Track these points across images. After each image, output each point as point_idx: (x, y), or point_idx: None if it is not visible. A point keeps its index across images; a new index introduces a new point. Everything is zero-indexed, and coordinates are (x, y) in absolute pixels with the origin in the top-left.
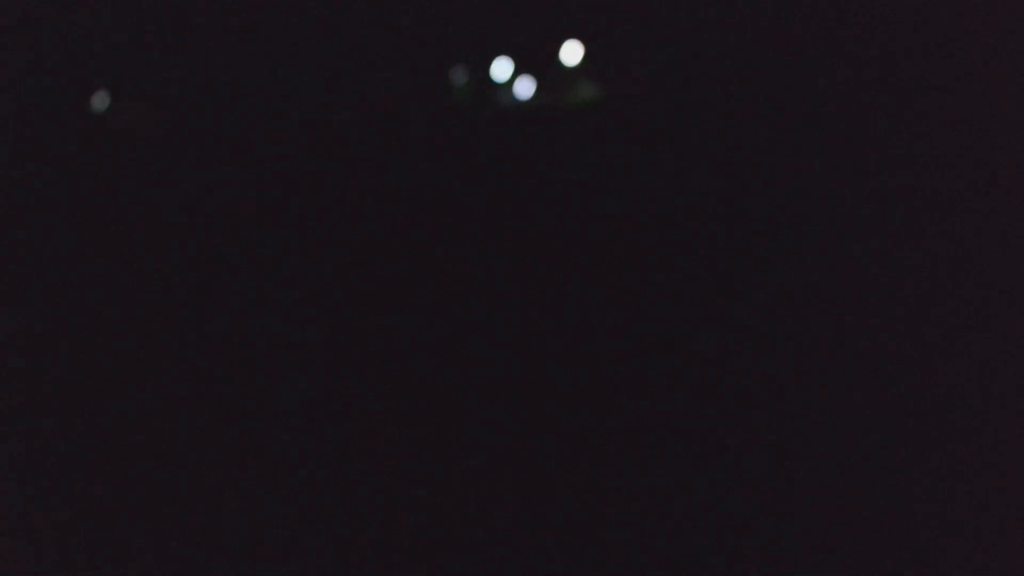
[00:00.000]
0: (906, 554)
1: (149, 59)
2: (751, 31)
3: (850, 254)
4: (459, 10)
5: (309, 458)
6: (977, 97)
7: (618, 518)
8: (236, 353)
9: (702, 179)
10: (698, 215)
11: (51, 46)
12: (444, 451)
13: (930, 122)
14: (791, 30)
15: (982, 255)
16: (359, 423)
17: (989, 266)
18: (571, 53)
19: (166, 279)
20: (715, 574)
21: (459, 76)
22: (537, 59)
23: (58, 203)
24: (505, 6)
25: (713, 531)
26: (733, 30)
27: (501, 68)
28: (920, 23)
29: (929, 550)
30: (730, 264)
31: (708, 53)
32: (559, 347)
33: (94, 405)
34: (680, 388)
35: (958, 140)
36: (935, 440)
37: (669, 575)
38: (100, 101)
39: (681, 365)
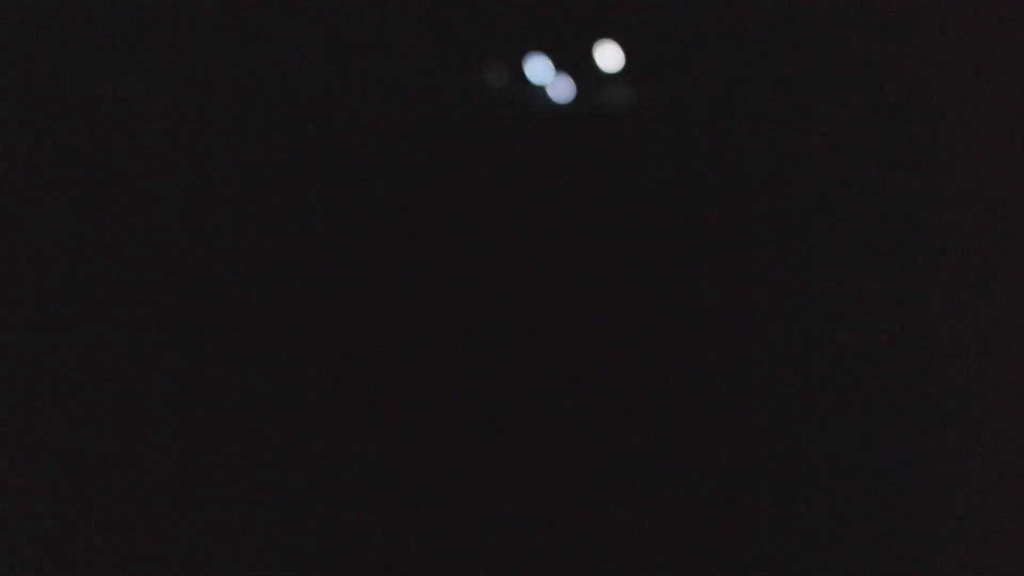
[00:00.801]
0: (906, 554)
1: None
2: (797, 40)
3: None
4: (495, 7)
5: (308, 458)
6: (977, 97)
7: (618, 518)
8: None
9: (736, 193)
10: (729, 229)
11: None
12: (441, 452)
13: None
14: (842, 36)
15: (982, 255)
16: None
17: (989, 266)
18: (608, 56)
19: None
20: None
21: (495, 76)
22: (574, 61)
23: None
24: (542, 5)
25: (713, 531)
26: (778, 40)
27: (538, 69)
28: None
29: (929, 550)
30: (759, 278)
31: (752, 62)
32: (581, 352)
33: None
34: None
35: (958, 140)
36: (936, 440)
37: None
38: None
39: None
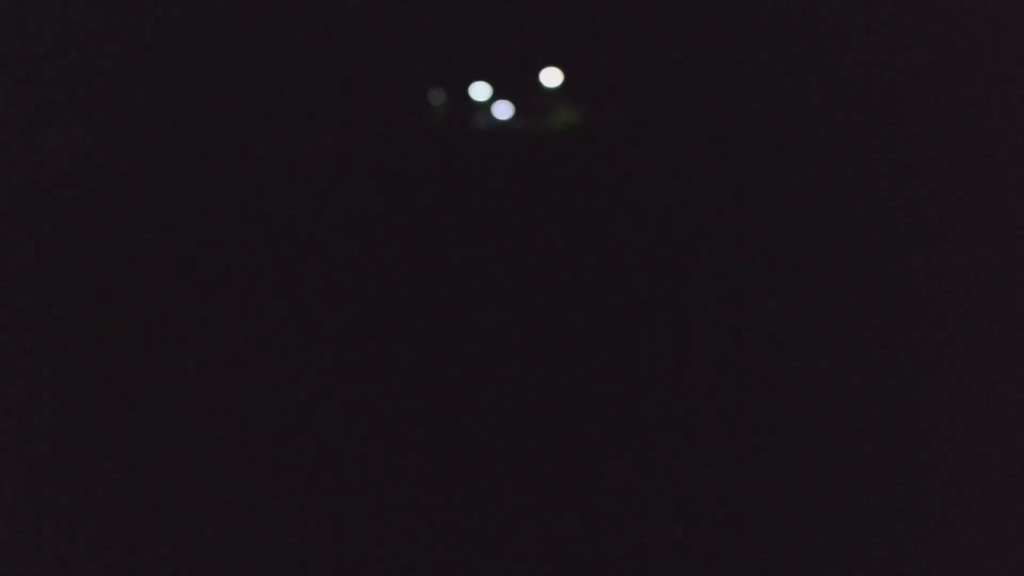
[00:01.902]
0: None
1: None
2: (737, 61)
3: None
4: (438, 32)
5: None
6: (977, 97)
7: (618, 519)
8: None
9: (681, 211)
10: (677, 247)
11: None
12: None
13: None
14: (778, 58)
15: (981, 256)
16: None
17: (989, 267)
18: (550, 77)
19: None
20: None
21: (437, 97)
22: (516, 83)
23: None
24: (484, 30)
25: (713, 532)
26: (719, 59)
27: (480, 90)
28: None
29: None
30: (713, 300)
31: (693, 80)
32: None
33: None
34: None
35: (956, 141)
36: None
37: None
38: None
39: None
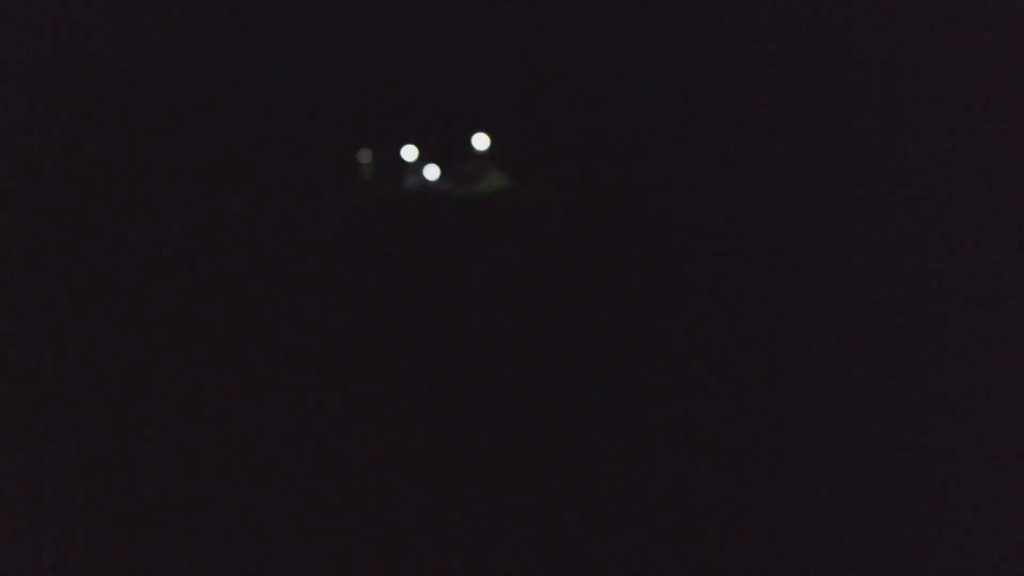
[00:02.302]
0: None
1: None
2: (662, 133)
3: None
4: (368, 96)
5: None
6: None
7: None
8: None
9: (612, 276)
10: (603, 313)
11: None
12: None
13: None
14: (707, 131)
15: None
16: None
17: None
18: (479, 141)
19: None
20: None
21: (365, 156)
22: (445, 147)
23: None
24: (412, 97)
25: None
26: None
27: (409, 151)
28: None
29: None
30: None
31: (623, 146)
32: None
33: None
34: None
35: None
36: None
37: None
38: None
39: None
